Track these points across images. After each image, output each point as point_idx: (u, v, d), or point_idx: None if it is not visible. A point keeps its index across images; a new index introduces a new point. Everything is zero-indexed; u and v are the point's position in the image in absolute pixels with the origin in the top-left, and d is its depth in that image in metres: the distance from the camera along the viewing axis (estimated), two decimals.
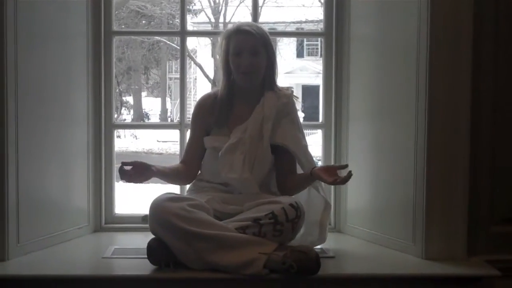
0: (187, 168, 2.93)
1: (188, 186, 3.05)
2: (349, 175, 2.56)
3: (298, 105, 3.00)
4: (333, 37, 3.34)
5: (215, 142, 2.87)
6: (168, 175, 2.87)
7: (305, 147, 2.87)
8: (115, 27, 3.38)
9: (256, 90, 2.88)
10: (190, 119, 3.00)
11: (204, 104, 2.94)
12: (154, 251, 2.60)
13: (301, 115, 20.76)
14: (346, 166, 2.65)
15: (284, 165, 2.88)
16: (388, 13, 3.02)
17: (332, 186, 3.30)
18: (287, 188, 2.85)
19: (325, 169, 2.67)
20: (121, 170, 2.62)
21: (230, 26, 2.91)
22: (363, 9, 3.19)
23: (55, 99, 3.03)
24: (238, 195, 2.81)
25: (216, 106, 2.89)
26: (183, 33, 3.41)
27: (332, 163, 3.35)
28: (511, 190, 2.93)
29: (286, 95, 2.89)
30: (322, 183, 2.80)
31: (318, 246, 2.90)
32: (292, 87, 2.95)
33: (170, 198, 2.61)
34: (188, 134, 3.09)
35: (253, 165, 2.79)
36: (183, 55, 3.46)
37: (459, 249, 2.82)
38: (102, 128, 3.33)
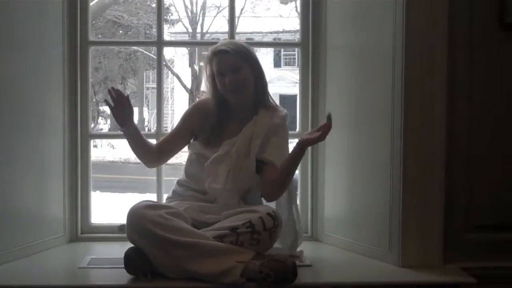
0: (157, 151, 2.94)
1: (165, 196, 3.05)
2: (328, 117, 2.60)
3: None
4: (310, 47, 3.36)
5: (202, 150, 2.88)
6: (139, 139, 2.89)
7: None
8: (91, 37, 3.37)
9: (249, 107, 2.88)
10: (181, 116, 3.00)
11: (202, 109, 2.95)
12: (131, 260, 2.58)
13: None
14: (328, 116, 2.64)
15: (269, 176, 2.85)
16: (364, 23, 3.04)
17: (309, 195, 3.32)
18: (276, 182, 2.78)
19: (309, 134, 2.66)
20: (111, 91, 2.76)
21: (209, 49, 2.91)
22: (339, 19, 3.21)
23: (31, 108, 3.02)
24: (216, 205, 2.81)
25: (209, 121, 2.90)
26: (160, 43, 3.40)
27: (309, 172, 3.37)
28: (486, 199, 2.96)
29: (280, 117, 2.87)
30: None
31: (298, 249, 2.92)
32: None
33: (148, 206, 2.60)
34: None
35: (237, 178, 2.79)
36: (160, 65, 3.46)
37: (435, 257, 2.84)
38: (78, 138, 3.31)
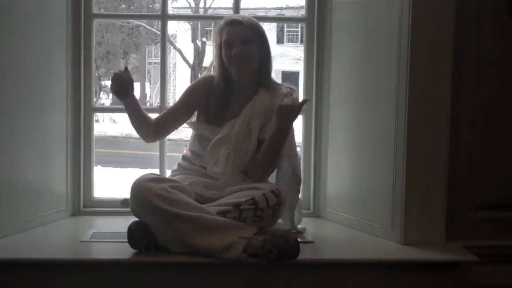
0: (155, 126, 2.92)
1: (169, 171, 3.05)
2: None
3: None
4: (315, 24, 3.33)
5: (204, 131, 2.89)
6: (139, 112, 2.87)
7: (291, 142, 2.83)
8: (95, 10, 3.35)
9: (251, 86, 2.87)
10: (183, 92, 2.99)
11: (204, 86, 2.95)
12: (134, 234, 2.59)
13: None
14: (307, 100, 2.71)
15: None
16: (371, 1, 3.02)
17: (312, 172, 3.32)
18: (258, 161, 2.80)
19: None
20: (116, 75, 2.73)
21: (223, 18, 2.89)
22: None
23: (34, 83, 3.00)
24: (220, 181, 2.81)
25: (211, 99, 2.89)
26: (164, 17, 3.37)
27: (312, 149, 3.36)
28: (489, 177, 2.96)
29: (283, 95, 2.82)
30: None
31: (300, 226, 2.92)
32: (294, 87, 2.91)
33: (152, 179, 2.60)
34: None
35: (237, 161, 2.79)
36: (164, 39, 3.44)
37: (437, 235, 2.84)
38: (81, 112, 3.29)
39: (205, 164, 2.84)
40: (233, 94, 2.89)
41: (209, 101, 2.90)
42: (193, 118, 2.97)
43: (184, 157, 2.98)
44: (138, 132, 2.95)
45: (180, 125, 2.99)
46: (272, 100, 2.83)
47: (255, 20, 2.88)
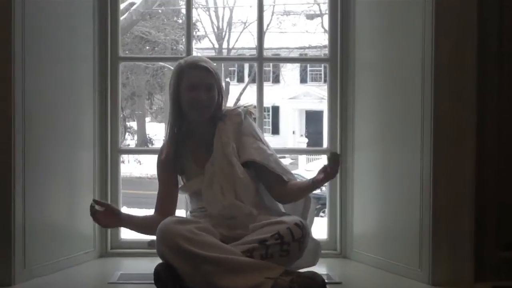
0: (162, 218, 2.75)
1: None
2: (330, 158, 2.56)
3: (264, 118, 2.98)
4: (338, 63, 3.36)
5: (193, 186, 2.88)
6: (138, 225, 2.82)
7: (271, 155, 2.85)
8: (121, 53, 3.40)
9: (208, 123, 2.87)
10: (156, 173, 2.96)
11: (160, 153, 2.93)
12: (161, 276, 2.59)
13: (303, 140, 20.56)
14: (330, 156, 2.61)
15: (267, 179, 2.85)
16: (394, 39, 3.04)
17: (338, 212, 3.31)
18: (288, 197, 2.83)
19: (322, 171, 2.64)
20: (92, 209, 2.63)
21: (181, 60, 2.88)
22: (368, 35, 3.21)
23: (62, 123, 3.05)
24: (241, 220, 2.80)
25: (166, 152, 2.88)
26: None
27: (338, 190, 3.36)
28: None
29: (237, 114, 2.88)
30: None
31: (324, 272, 2.90)
32: (250, 104, 2.94)
33: (178, 221, 2.61)
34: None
35: (234, 190, 2.79)
36: None
37: (466, 274, 2.81)
38: (108, 153, 3.34)
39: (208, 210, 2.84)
40: (192, 136, 2.90)
41: (177, 163, 2.89)
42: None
43: (194, 211, 2.98)
44: (146, 234, 2.90)
45: (177, 194, 2.95)
46: (232, 122, 2.86)
47: (212, 62, 2.88)
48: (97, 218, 2.65)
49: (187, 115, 2.86)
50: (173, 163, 2.88)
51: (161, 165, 2.92)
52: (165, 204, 2.91)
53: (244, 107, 2.95)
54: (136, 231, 2.85)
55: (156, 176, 2.97)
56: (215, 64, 2.88)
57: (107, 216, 2.67)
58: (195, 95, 2.79)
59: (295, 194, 2.79)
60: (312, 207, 2.88)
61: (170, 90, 2.88)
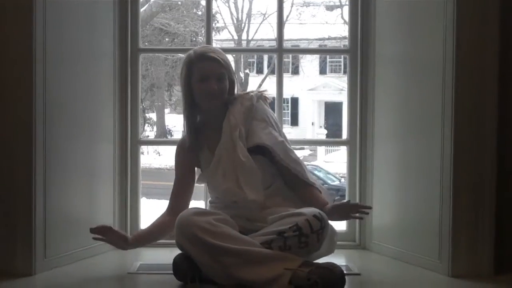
0: (175, 214, 2.75)
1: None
2: (366, 212, 2.66)
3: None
4: (358, 55, 3.35)
5: (205, 178, 2.94)
6: (152, 237, 2.87)
7: (282, 142, 2.85)
8: (141, 45, 3.41)
9: (220, 109, 2.89)
10: (174, 166, 2.98)
11: (183, 144, 2.95)
12: (179, 267, 2.61)
13: (323, 131, 20.48)
14: (370, 208, 2.72)
15: (277, 166, 2.86)
16: (414, 31, 3.02)
17: (358, 201, 3.30)
18: (295, 192, 2.86)
19: (339, 208, 2.69)
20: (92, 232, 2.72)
21: (191, 51, 2.89)
22: (388, 27, 3.20)
23: (83, 115, 3.07)
24: (261, 210, 2.80)
25: (187, 140, 2.90)
26: None
27: (358, 181, 3.36)
28: None
29: (248, 98, 2.90)
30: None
31: (342, 263, 2.90)
32: (263, 90, 2.96)
33: (197, 213, 2.62)
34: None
35: (235, 174, 2.79)
36: None
37: (486, 266, 2.79)
38: (128, 145, 3.36)
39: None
40: (206, 123, 2.92)
41: (194, 155, 2.92)
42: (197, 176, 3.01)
43: (211, 202, 3.00)
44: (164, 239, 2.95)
45: (192, 190, 2.99)
46: (243, 106, 2.87)
47: (223, 53, 2.90)
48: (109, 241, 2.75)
49: (200, 105, 2.87)
50: (194, 153, 2.90)
51: (182, 155, 2.94)
52: (180, 200, 2.92)
53: (259, 91, 2.96)
54: (150, 243, 2.92)
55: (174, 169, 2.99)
56: (229, 55, 2.88)
57: (113, 242, 2.77)
58: (207, 86, 2.81)
59: (306, 199, 2.81)
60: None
61: (181, 82, 2.90)
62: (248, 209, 2.77)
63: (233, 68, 2.94)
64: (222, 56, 2.86)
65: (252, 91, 2.96)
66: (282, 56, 3.46)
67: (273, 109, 3.05)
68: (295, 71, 22.35)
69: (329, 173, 12.58)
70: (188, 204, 2.93)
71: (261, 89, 2.99)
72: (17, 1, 2.73)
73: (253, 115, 2.88)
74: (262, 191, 2.79)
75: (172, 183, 2.93)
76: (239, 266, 2.51)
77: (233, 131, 2.82)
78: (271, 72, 18.00)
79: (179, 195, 2.94)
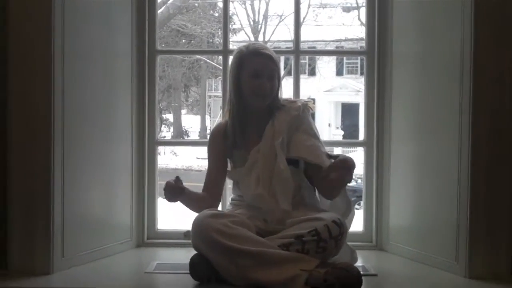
0: (209, 197, 2.91)
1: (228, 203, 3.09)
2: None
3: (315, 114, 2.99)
4: (375, 56, 3.35)
5: (236, 176, 2.93)
6: (194, 201, 2.86)
7: (325, 154, 2.81)
8: (158, 46, 3.43)
9: (265, 110, 2.89)
10: (207, 150, 3.00)
11: (218, 131, 2.96)
12: (196, 266, 2.62)
13: (339, 132, 20.50)
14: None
15: (317, 175, 2.84)
16: (431, 31, 3.02)
17: (374, 204, 3.31)
18: (328, 193, 2.86)
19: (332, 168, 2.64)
20: (168, 186, 2.67)
21: (242, 46, 2.91)
22: (405, 27, 3.19)
23: (100, 116, 3.08)
24: (279, 212, 2.80)
25: (230, 129, 2.90)
26: (226, 52, 3.43)
27: (375, 182, 3.36)
28: None
29: (296, 108, 2.89)
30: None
31: (359, 264, 2.89)
32: (309, 100, 2.96)
33: (213, 215, 2.63)
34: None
35: (270, 182, 2.80)
36: (225, 74, 3.45)
37: (503, 267, 2.78)
38: (146, 145, 3.37)
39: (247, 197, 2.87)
40: (248, 121, 2.91)
41: (228, 145, 2.92)
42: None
43: (233, 199, 3.02)
44: (196, 211, 2.89)
45: (225, 176, 3.00)
46: (290, 114, 2.87)
47: (273, 51, 2.91)
48: (169, 194, 2.69)
49: (247, 101, 2.87)
50: (229, 143, 2.90)
51: (218, 140, 2.94)
52: (212, 183, 2.94)
53: (305, 101, 2.96)
54: (190, 207, 2.87)
55: (206, 155, 3.01)
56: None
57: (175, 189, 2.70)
58: (259, 82, 2.81)
59: (329, 186, 2.77)
60: (352, 213, 2.87)
61: (230, 75, 2.90)
62: (272, 215, 2.78)
63: (281, 73, 2.95)
64: (275, 55, 2.88)
65: (300, 100, 2.96)
66: (299, 58, 3.46)
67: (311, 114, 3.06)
68: (312, 73, 22.33)
69: None
70: (221, 186, 2.97)
71: (307, 99, 2.99)
72: (36, 1, 2.75)
73: (297, 125, 2.87)
74: (291, 201, 2.80)
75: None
76: (254, 268, 2.52)
77: (276, 138, 2.82)
78: (288, 73, 18.01)
79: (214, 177, 2.94)
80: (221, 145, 2.94)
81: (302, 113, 2.90)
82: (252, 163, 2.84)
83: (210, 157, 2.99)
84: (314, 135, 2.90)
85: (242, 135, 2.89)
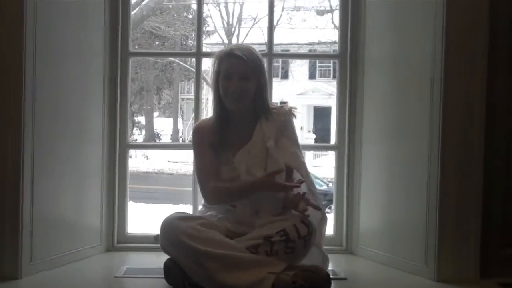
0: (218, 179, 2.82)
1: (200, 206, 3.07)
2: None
3: (297, 120, 2.97)
4: (348, 59, 3.36)
5: (223, 174, 2.85)
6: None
7: (303, 163, 2.84)
8: (131, 48, 3.41)
9: (249, 113, 2.86)
10: (194, 146, 2.92)
11: (203, 126, 2.91)
12: (171, 271, 2.61)
13: (311, 136, 20.52)
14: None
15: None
16: (403, 35, 3.04)
17: (345, 208, 3.32)
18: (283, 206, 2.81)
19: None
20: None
21: (224, 48, 2.89)
22: (378, 31, 3.21)
23: (72, 117, 3.06)
24: (248, 214, 2.79)
25: (214, 127, 2.86)
26: (199, 55, 3.42)
27: (345, 185, 3.37)
28: None
29: (283, 113, 2.87)
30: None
31: (329, 268, 2.90)
32: (293, 106, 2.95)
33: (181, 217, 2.62)
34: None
35: (265, 170, 2.77)
36: (198, 76, 3.47)
37: (472, 271, 2.81)
38: (117, 148, 3.35)
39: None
40: (231, 122, 2.86)
41: (214, 133, 2.86)
42: None
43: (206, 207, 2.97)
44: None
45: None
46: (278, 120, 2.84)
47: (255, 53, 2.83)
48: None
49: (225, 103, 2.83)
50: (217, 142, 2.84)
51: (203, 134, 2.87)
52: (218, 170, 2.83)
53: (291, 107, 2.93)
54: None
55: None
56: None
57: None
58: (228, 84, 2.78)
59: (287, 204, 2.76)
60: (325, 225, 2.84)
61: (211, 77, 2.87)
62: (242, 213, 2.77)
63: (265, 75, 2.86)
64: (250, 56, 2.79)
65: (286, 105, 2.93)
66: (272, 61, 3.45)
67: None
68: (285, 76, 22.36)
69: (317, 178, 12.52)
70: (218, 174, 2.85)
71: (291, 104, 2.97)
72: None
73: (282, 130, 2.85)
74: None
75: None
76: (222, 271, 2.51)
77: (268, 140, 2.79)
78: None
79: (215, 167, 2.84)
80: (210, 137, 2.85)
81: (288, 119, 2.90)
82: (245, 166, 2.80)
83: (202, 148, 2.87)
84: (296, 142, 2.89)
85: (224, 136, 2.85)
